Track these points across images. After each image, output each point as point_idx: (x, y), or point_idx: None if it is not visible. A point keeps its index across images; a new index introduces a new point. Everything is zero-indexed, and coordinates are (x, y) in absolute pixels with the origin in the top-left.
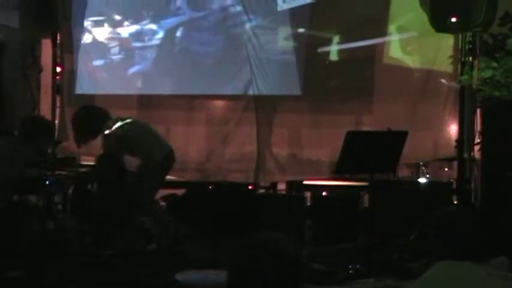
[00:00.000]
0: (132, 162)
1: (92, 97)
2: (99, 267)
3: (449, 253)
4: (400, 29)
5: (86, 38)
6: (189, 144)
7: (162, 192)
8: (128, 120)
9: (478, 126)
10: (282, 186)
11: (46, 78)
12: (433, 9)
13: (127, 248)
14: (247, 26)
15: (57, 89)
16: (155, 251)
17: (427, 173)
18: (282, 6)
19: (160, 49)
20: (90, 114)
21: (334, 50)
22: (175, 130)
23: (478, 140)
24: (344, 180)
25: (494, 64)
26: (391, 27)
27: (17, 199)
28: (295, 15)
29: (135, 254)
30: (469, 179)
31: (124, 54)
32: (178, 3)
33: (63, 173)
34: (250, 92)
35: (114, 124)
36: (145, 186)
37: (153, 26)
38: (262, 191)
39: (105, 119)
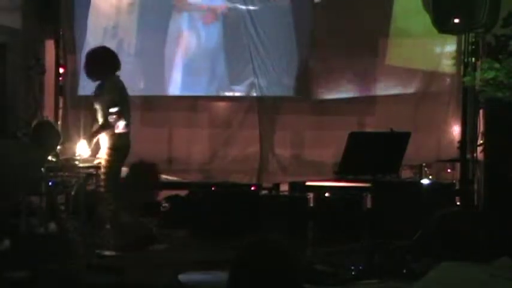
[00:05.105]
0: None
1: None
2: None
3: (452, 254)
4: (403, 30)
5: (89, 39)
6: (192, 145)
7: (166, 193)
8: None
9: (480, 127)
10: (284, 187)
11: (49, 80)
12: (436, 11)
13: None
14: (250, 27)
15: (60, 90)
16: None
17: (430, 174)
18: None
19: (163, 50)
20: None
21: (337, 51)
22: (179, 131)
23: (481, 141)
24: (347, 181)
25: (497, 65)
26: (394, 28)
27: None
28: (298, 16)
29: None
30: (471, 180)
31: (127, 55)
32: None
33: (66, 174)
34: (253, 94)
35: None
36: None
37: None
38: (264, 192)
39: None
